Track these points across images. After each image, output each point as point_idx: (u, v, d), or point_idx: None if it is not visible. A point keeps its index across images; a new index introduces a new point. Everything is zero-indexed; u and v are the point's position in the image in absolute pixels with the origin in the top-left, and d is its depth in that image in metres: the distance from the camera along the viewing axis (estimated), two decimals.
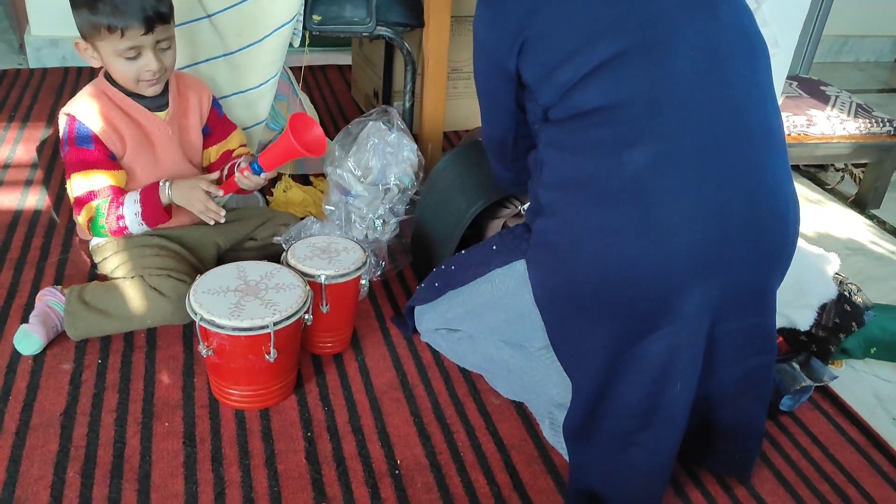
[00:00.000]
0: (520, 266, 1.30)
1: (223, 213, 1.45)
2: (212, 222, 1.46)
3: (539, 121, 1.22)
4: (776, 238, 1.15)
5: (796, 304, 1.54)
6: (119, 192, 1.43)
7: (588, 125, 1.13)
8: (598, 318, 1.15)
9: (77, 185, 1.42)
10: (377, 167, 1.71)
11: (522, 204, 1.60)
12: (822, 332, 1.57)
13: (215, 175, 1.53)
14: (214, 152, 1.64)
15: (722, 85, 1.12)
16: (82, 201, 1.42)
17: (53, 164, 2.07)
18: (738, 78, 1.14)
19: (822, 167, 2.61)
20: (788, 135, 1.70)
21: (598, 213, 1.11)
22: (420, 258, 1.75)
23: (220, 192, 1.46)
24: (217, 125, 1.63)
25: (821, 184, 2.55)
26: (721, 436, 1.30)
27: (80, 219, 1.44)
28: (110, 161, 1.44)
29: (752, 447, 1.33)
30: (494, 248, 1.37)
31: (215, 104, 1.62)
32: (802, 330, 1.57)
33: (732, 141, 1.11)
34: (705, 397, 1.24)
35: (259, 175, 1.46)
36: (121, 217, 1.42)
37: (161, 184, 1.43)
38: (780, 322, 1.53)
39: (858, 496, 1.34)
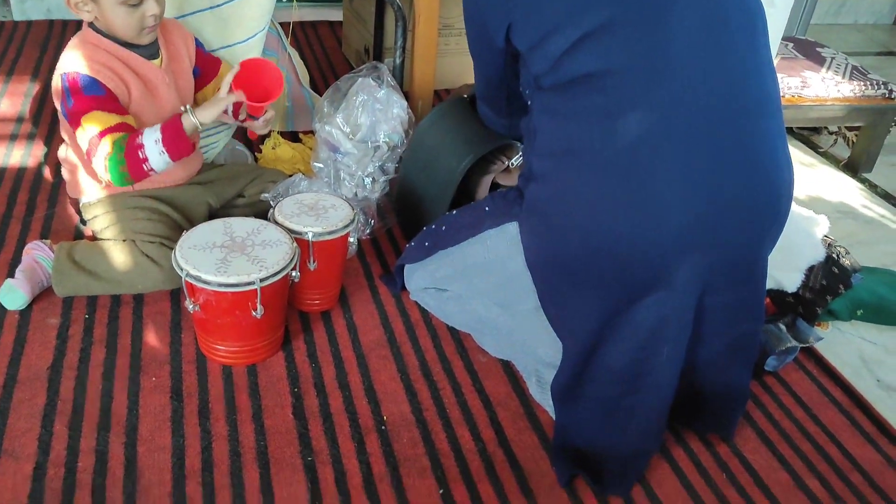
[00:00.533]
0: (512, 228, 1.29)
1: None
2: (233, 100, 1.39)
3: (532, 87, 1.21)
4: (768, 211, 1.15)
5: (784, 266, 1.54)
6: (136, 130, 1.37)
7: (580, 92, 1.11)
8: (589, 286, 1.16)
9: (90, 128, 1.33)
10: (366, 124, 1.69)
11: (509, 159, 1.59)
12: (809, 293, 1.58)
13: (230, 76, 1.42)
14: (211, 91, 1.60)
15: (719, 53, 1.10)
16: (99, 138, 1.33)
17: (39, 118, 2.04)
18: (735, 45, 1.12)
19: (816, 130, 2.59)
20: (782, 96, 1.69)
21: (590, 185, 1.11)
22: (406, 218, 1.74)
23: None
24: (205, 64, 1.60)
25: (814, 147, 2.54)
26: (707, 400, 1.31)
27: (97, 160, 1.34)
28: (121, 106, 1.38)
29: (736, 407, 1.34)
30: (487, 209, 1.36)
31: (198, 43, 1.59)
32: (790, 292, 1.58)
33: (728, 112, 1.09)
34: (692, 364, 1.25)
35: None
36: (140, 147, 1.33)
37: (183, 109, 1.37)
38: (768, 284, 1.52)
39: (840, 455, 1.35)
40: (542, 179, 1.19)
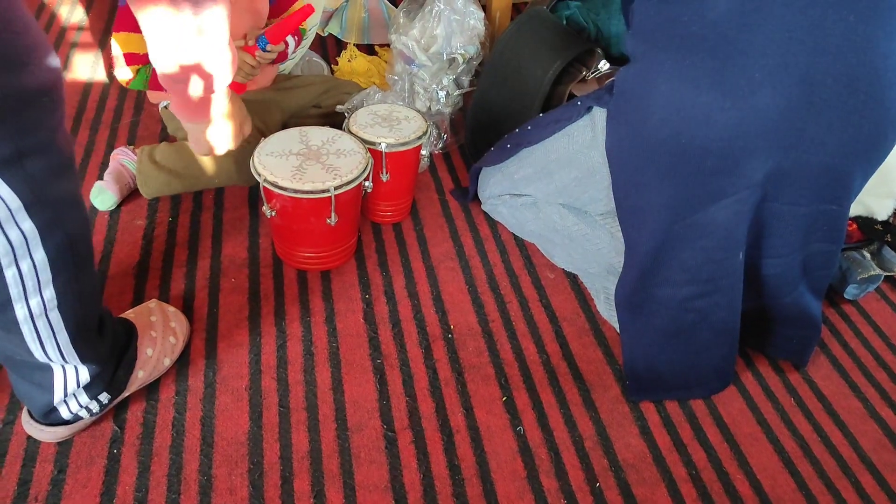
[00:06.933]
0: (600, 115, 1.25)
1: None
2: None
3: None
4: (870, 124, 1.05)
5: (877, 191, 1.47)
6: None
7: None
8: (666, 172, 1.10)
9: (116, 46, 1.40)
10: (442, 36, 1.67)
11: (589, 69, 1.55)
12: None
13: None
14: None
15: None
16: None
17: None
18: None
19: None
20: None
21: (674, 59, 1.05)
22: (480, 135, 1.71)
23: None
24: None
25: None
26: (778, 323, 1.28)
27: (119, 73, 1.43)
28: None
29: (810, 335, 1.31)
30: (578, 102, 1.32)
31: None
32: (880, 219, 1.51)
33: (835, 4, 0.99)
34: (763, 278, 1.22)
35: (265, 51, 1.39)
36: None
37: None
38: (857, 210, 1.47)
39: None
40: (632, 59, 1.15)
